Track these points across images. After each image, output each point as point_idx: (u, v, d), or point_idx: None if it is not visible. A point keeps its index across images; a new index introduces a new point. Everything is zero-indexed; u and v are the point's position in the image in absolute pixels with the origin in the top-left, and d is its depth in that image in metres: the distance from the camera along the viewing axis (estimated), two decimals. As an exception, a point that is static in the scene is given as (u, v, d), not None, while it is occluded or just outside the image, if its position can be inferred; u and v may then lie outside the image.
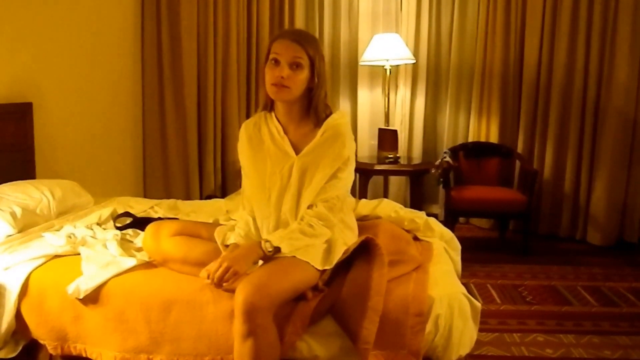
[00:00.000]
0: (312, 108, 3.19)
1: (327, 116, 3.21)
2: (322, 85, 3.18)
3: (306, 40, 3.15)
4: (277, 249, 2.96)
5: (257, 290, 2.69)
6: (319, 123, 3.20)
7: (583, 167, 6.70)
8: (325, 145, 3.15)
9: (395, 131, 6.89)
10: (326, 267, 3.05)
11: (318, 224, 3.06)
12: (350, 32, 7.65)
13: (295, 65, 3.08)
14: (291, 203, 3.15)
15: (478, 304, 3.09)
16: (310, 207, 3.11)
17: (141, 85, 6.80)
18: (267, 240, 2.97)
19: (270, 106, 3.31)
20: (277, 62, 3.09)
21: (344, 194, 3.22)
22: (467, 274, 5.29)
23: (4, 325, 3.25)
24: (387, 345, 2.88)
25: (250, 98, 7.15)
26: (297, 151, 3.19)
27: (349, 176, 3.22)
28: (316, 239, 3.07)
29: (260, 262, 2.99)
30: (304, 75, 3.11)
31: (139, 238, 3.68)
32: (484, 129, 7.05)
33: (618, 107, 6.41)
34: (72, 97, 5.57)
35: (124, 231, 3.91)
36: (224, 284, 2.89)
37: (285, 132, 3.25)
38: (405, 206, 4.35)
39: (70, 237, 3.68)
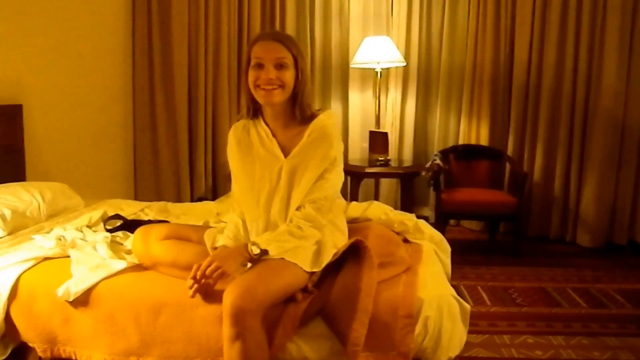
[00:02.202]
0: (297, 105, 3.17)
1: (313, 114, 3.22)
2: (305, 82, 3.18)
3: (287, 39, 3.16)
4: (265, 252, 2.96)
5: (245, 293, 2.69)
6: (304, 121, 3.19)
7: (572, 169, 6.72)
8: (312, 146, 3.14)
9: (386, 134, 6.90)
10: (315, 270, 3.06)
11: (306, 226, 3.06)
12: (341, 34, 7.64)
13: (280, 66, 3.08)
14: (280, 205, 3.15)
15: (467, 306, 3.09)
16: (298, 208, 3.11)
17: (132, 87, 6.81)
18: (254, 243, 2.97)
19: (253, 112, 3.31)
20: (260, 65, 3.09)
21: (332, 195, 3.21)
22: (458, 276, 5.30)
23: (-7, 328, 3.25)
24: (376, 347, 2.89)
25: (241, 100, 7.12)
26: (286, 153, 3.19)
27: (337, 177, 3.21)
28: (305, 241, 3.07)
29: (249, 264, 3.00)
30: (290, 73, 3.10)
31: (129, 240, 3.68)
32: (474, 131, 7.07)
33: (607, 109, 6.43)
34: (63, 99, 5.57)
35: (114, 234, 3.90)
36: (210, 282, 2.90)
37: (274, 135, 3.24)
38: (396, 208, 4.35)
39: (60, 239, 3.69)
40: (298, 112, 3.18)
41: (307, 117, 3.19)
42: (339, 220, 3.37)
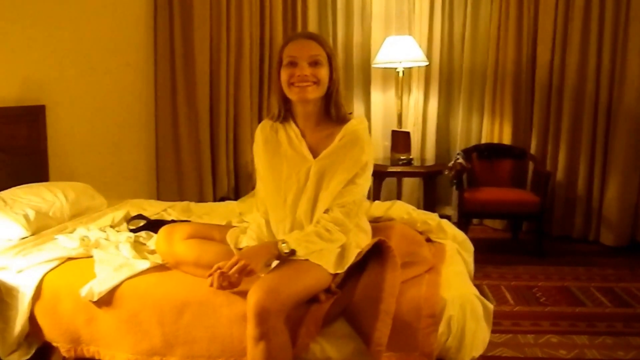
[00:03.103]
0: (333, 103, 3.18)
1: (346, 117, 3.21)
2: (339, 81, 3.19)
3: (320, 37, 3.18)
4: (293, 251, 2.95)
5: (270, 293, 2.69)
6: (338, 121, 3.19)
7: (596, 168, 6.68)
8: (343, 150, 3.13)
9: (408, 133, 6.89)
10: (339, 271, 3.06)
11: (335, 229, 3.05)
12: (363, 34, 7.65)
13: (314, 63, 3.08)
14: (307, 206, 3.14)
15: (490, 305, 3.08)
16: (326, 211, 3.10)
17: (154, 88, 6.83)
18: (284, 241, 2.97)
19: (284, 115, 3.29)
20: (293, 63, 3.08)
21: (361, 199, 3.21)
22: (481, 276, 5.29)
23: (18, 328, 3.27)
24: (399, 347, 2.88)
25: (263, 100, 7.16)
26: (315, 155, 3.18)
27: (366, 182, 3.20)
28: (332, 244, 3.07)
29: (275, 262, 3.00)
30: (325, 71, 3.11)
31: (152, 240, 3.69)
32: (496, 130, 7.05)
33: (630, 107, 6.39)
34: (85, 100, 5.59)
35: (137, 234, 3.91)
36: (238, 281, 2.88)
37: (303, 136, 3.23)
38: (419, 208, 4.34)
39: (83, 239, 3.70)
40: (334, 110, 3.18)
41: (340, 118, 3.19)
42: (362, 221, 3.36)
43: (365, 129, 3.21)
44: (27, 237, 3.87)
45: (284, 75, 3.11)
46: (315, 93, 3.10)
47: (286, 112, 3.28)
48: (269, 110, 3.44)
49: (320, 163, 3.14)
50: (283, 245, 2.95)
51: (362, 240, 3.24)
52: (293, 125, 3.26)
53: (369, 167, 3.21)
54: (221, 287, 2.92)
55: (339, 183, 3.09)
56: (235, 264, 2.86)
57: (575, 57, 6.61)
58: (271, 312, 2.67)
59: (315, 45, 3.10)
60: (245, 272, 2.85)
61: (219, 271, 2.89)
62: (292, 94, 3.13)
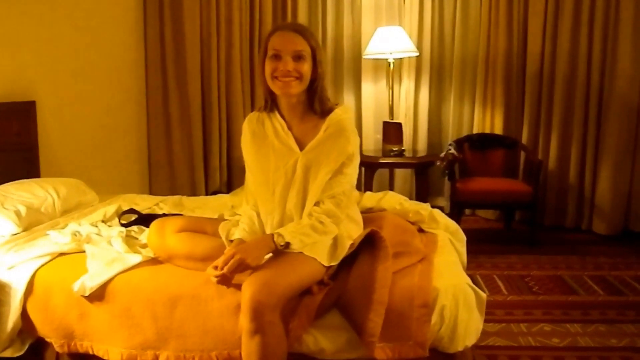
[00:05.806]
0: (317, 98, 3.16)
1: (331, 108, 3.19)
2: (324, 75, 3.17)
3: (305, 30, 3.14)
4: (287, 244, 2.94)
5: (265, 288, 2.70)
6: (324, 114, 3.17)
7: (588, 157, 6.68)
8: (329, 141, 3.11)
9: (399, 124, 6.89)
10: (332, 263, 3.06)
11: (328, 221, 3.04)
12: (354, 25, 7.63)
13: (297, 57, 3.06)
14: (296, 199, 3.13)
15: (483, 295, 3.09)
16: (317, 203, 3.10)
17: (145, 82, 6.80)
18: (280, 234, 2.96)
19: (269, 106, 3.28)
20: (277, 57, 3.06)
21: (350, 190, 3.20)
22: (474, 266, 5.29)
23: (10, 324, 3.27)
24: (393, 337, 2.88)
25: (254, 93, 7.13)
26: (302, 147, 3.17)
27: (354, 171, 3.20)
28: (325, 236, 3.06)
29: (269, 255, 2.99)
30: (307, 65, 3.08)
31: (144, 235, 3.68)
32: (488, 120, 7.04)
33: (622, 95, 6.39)
34: (76, 95, 5.58)
35: (129, 228, 3.91)
36: (233, 275, 2.87)
37: (289, 128, 3.22)
38: (411, 199, 4.34)
39: (75, 234, 3.69)
40: (318, 105, 3.16)
41: (325, 112, 3.18)
42: (352, 212, 3.35)
43: (350, 118, 3.20)
44: (18, 233, 3.86)
45: (268, 67, 3.10)
46: (298, 88, 3.09)
47: (271, 103, 3.27)
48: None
49: (307, 155, 3.13)
50: (279, 238, 2.94)
51: (353, 231, 3.24)
52: (278, 116, 3.25)
53: (356, 156, 3.20)
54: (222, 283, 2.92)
55: (326, 174, 3.08)
56: (231, 257, 2.85)
57: (566, 44, 6.61)
58: (266, 306, 2.68)
59: (300, 39, 3.08)
60: (242, 267, 2.84)
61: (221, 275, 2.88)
62: (275, 88, 3.12)
